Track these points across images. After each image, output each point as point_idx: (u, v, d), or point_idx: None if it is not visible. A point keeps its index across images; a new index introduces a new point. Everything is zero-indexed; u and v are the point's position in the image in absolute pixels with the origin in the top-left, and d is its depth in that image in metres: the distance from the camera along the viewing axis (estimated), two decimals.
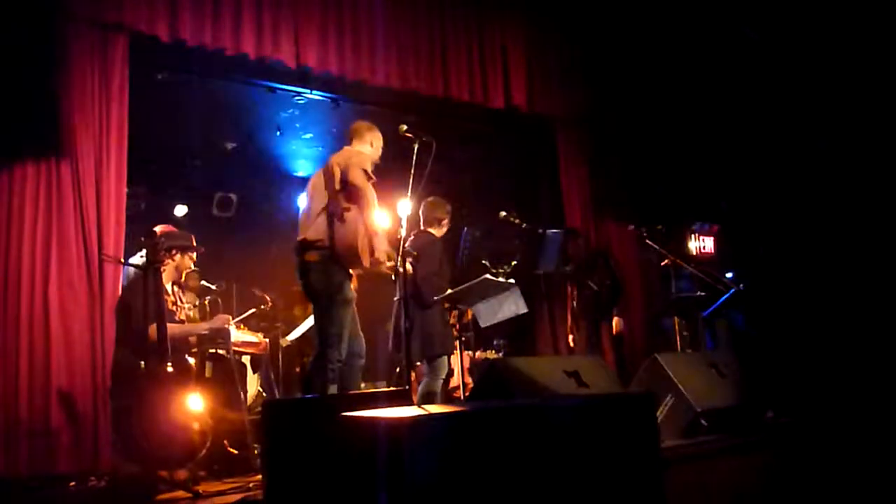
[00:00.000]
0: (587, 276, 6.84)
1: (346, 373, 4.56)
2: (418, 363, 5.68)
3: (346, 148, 4.86)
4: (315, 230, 4.51)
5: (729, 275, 7.33)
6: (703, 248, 8.42)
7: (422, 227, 5.71)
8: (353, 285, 4.66)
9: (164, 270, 4.89)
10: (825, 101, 6.50)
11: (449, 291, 5.42)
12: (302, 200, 4.96)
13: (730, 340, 7.02)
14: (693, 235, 8.43)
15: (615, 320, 6.77)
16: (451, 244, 6.49)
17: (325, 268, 4.46)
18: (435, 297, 5.60)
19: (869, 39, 6.17)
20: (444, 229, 5.82)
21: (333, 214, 4.45)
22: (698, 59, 7.42)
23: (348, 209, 4.46)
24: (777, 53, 6.73)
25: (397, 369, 5.87)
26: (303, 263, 4.50)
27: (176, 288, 5.11)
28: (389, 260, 4.65)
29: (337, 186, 4.54)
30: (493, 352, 7.82)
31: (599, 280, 6.79)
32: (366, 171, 4.56)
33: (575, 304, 6.90)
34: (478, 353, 7.41)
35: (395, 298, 5.66)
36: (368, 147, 4.88)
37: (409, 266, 5.08)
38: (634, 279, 7.62)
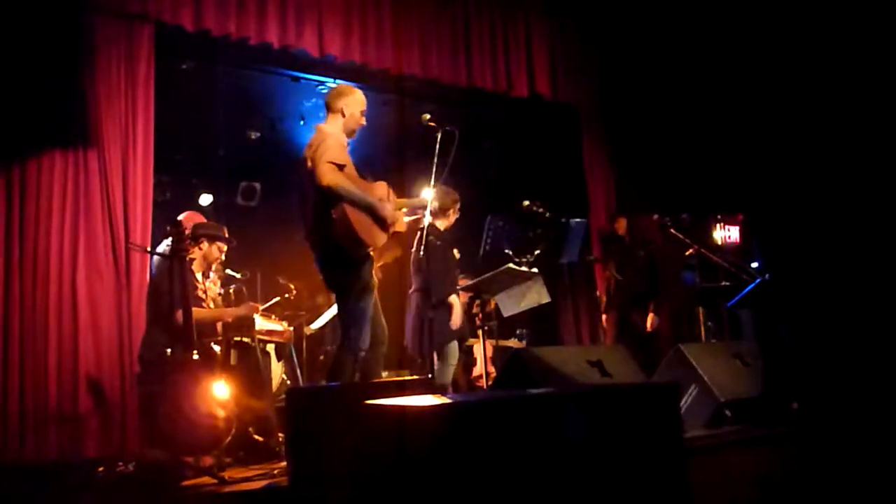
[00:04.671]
0: (625, 263, 6.83)
1: (369, 360, 4.51)
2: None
3: (318, 130, 4.44)
4: (316, 226, 4.31)
5: (755, 265, 7.26)
6: (729, 237, 8.35)
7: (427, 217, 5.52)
8: (376, 272, 4.59)
9: (193, 259, 4.94)
10: (854, 87, 6.39)
11: (472, 281, 5.42)
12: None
13: (754, 331, 6.96)
14: (718, 225, 8.36)
15: (650, 316, 6.70)
16: (475, 233, 6.49)
17: (337, 260, 4.31)
18: (458, 288, 5.60)
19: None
20: (452, 220, 5.72)
21: (323, 210, 4.21)
22: (724, 45, 7.33)
23: (333, 205, 4.17)
24: (805, 39, 6.63)
25: (418, 360, 5.88)
26: (318, 258, 4.40)
27: (206, 278, 5.15)
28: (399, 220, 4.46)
29: (316, 182, 4.18)
30: (516, 340, 7.82)
31: (637, 272, 6.77)
32: (332, 163, 4.12)
33: (611, 290, 6.89)
34: (500, 342, 7.42)
35: (411, 291, 5.66)
36: (340, 119, 4.42)
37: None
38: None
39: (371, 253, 4.41)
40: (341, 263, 4.31)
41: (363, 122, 4.50)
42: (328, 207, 4.15)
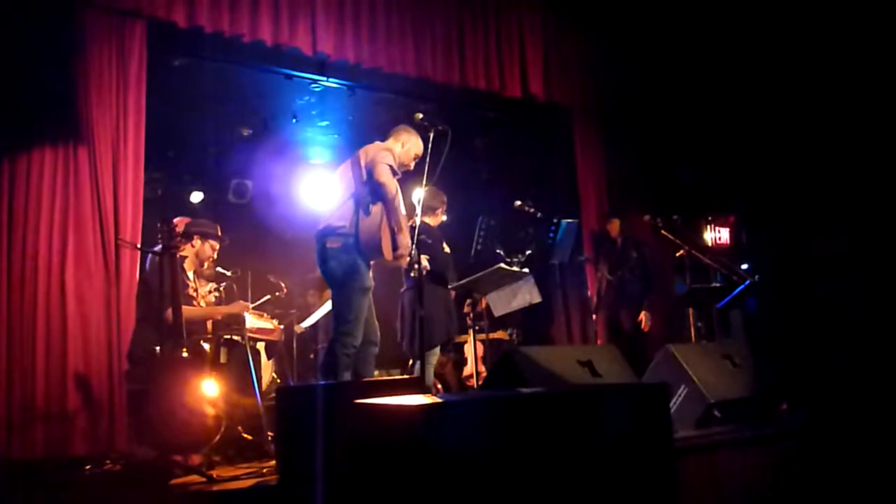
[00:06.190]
0: (617, 264, 6.85)
1: (361, 360, 4.60)
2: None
3: (376, 142, 4.79)
4: (339, 218, 4.54)
5: (744, 266, 7.29)
6: (719, 238, 8.38)
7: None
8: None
9: (186, 257, 4.93)
10: (844, 89, 6.42)
11: (462, 281, 5.42)
12: (320, 188, 4.94)
13: (745, 331, 6.98)
14: (709, 226, 8.39)
15: (643, 314, 6.72)
16: (466, 233, 6.49)
17: (346, 255, 4.49)
18: (450, 287, 5.60)
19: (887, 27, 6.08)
20: (440, 219, 5.82)
21: (359, 205, 4.49)
22: (715, 47, 7.36)
23: (373, 203, 4.49)
24: (794, 41, 6.65)
25: (410, 362, 5.88)
26: (324, 250, 4.54)
27: (200, 277, 5.14)
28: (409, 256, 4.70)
29: (363, 178, 4.55)
30: (504, 332, 7.81)
31: (629, 273, 6.78)
32: (391, 167, 4.52)
33: (602, 290, 6.91)
34: (490, 336, 7.44)
35: (402, 290, 5.67)
36: (399, 147, 4.79)
37: (424, 262, 5.13)
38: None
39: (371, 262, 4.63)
40: (349, 262, 4.48)
41: (411, 166, 4.89)
42: (369, 203, 4.51)
